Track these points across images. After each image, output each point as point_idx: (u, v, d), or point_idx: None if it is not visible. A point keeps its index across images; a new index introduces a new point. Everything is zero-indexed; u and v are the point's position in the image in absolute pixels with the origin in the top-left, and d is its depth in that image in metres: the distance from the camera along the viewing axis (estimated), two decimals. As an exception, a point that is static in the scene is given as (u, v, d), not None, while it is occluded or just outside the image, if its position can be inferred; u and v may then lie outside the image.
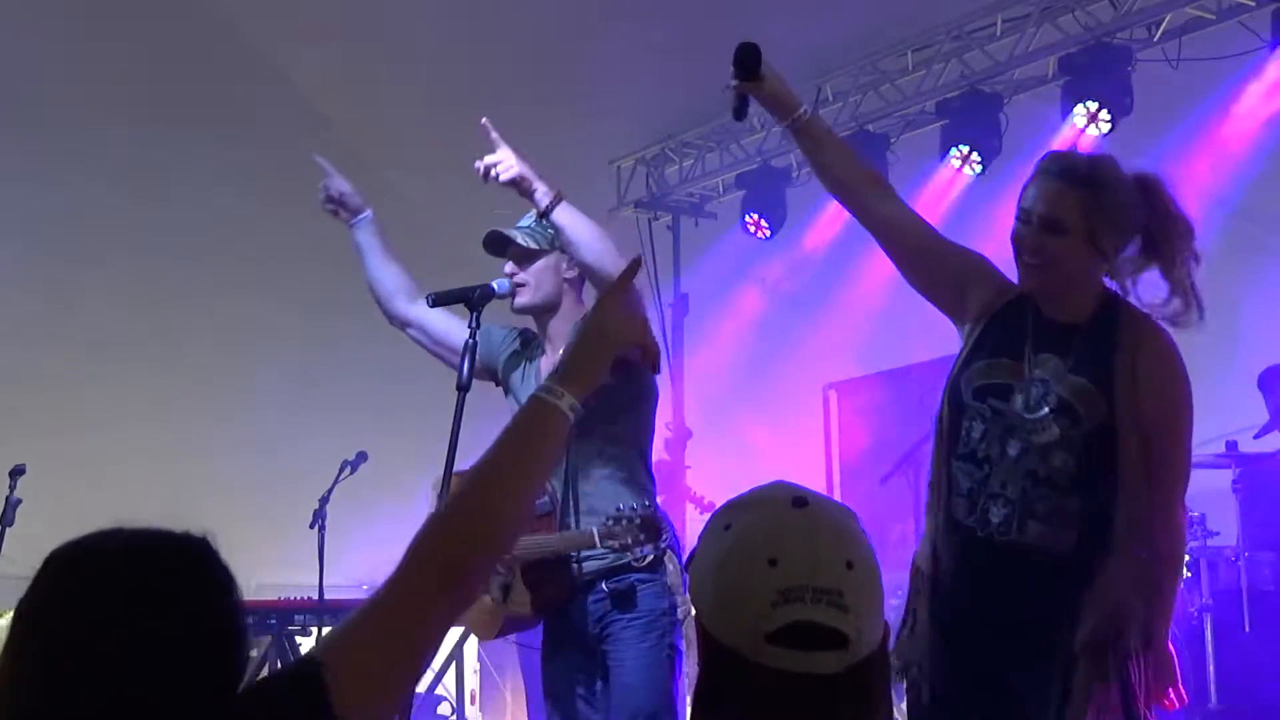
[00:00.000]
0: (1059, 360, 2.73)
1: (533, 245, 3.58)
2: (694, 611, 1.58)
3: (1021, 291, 2.81)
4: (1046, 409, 2.69)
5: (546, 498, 3.48)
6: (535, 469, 1.76)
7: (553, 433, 1.77)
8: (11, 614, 1.53)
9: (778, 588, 1.45)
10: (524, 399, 3.54)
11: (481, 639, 3.74)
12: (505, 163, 3.45)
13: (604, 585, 3.43)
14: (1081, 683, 2.60)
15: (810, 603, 1.45)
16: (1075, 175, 2.70)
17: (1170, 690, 2.65)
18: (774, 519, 1.52)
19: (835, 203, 7.08)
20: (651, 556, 3.45)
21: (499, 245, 3.62)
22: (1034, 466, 2.70)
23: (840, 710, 1.47)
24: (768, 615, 1.45)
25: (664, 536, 3.43)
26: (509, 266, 3.59)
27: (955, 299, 2.89)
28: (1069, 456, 2.68)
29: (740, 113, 3.06)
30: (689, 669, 3.72)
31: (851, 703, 1.47)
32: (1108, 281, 2.78)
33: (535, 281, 3.57)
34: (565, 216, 3.42)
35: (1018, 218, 2.74)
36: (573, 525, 3.49)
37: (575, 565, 3.48)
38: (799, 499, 1.52)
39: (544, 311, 3.60)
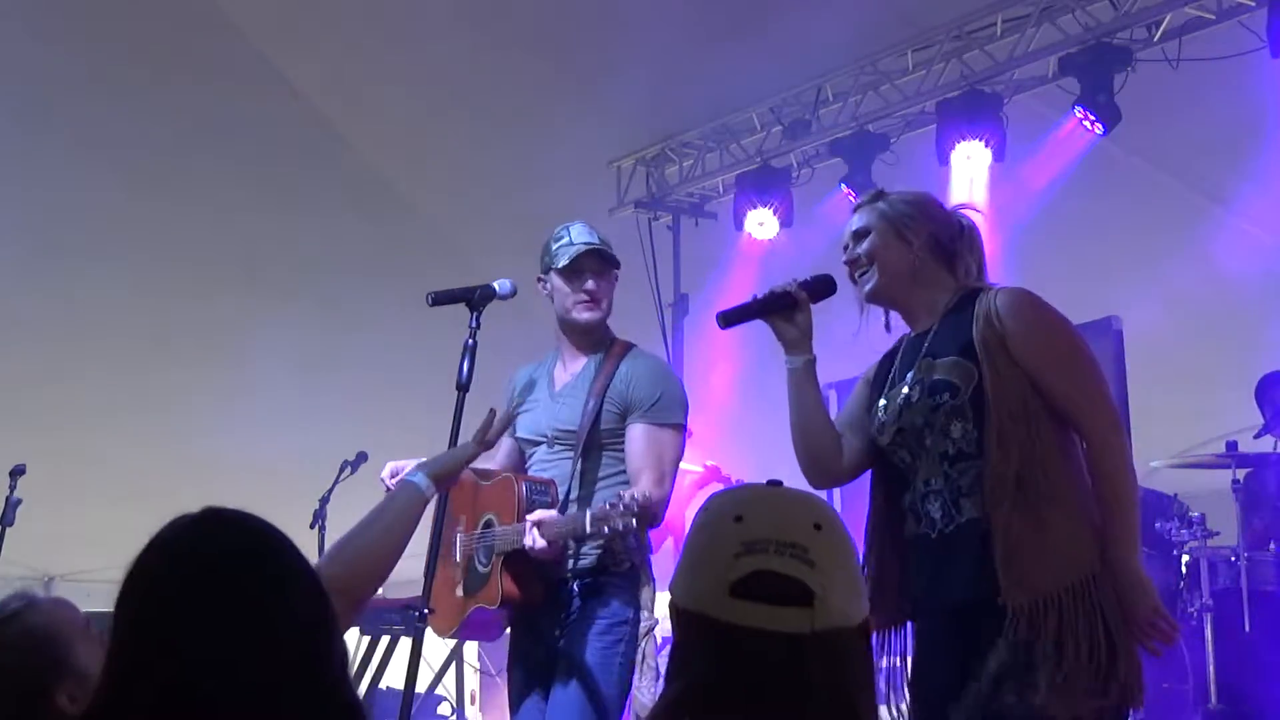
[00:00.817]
0: (921, 358, 2.86)
1: (615, 263, 3.64)
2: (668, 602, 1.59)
3: (898, 341, 3.02)
4: (915, 400, 2.80)
5: (548, 497, 3.49)
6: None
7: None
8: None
9: (741, 540, 1.47)
10: (531, 407, 3.60)
11: (439, 633, 3.74)
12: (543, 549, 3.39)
13: (574, 585, 3.45)
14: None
15: (774, 554, 1.45)
16: (869, 196, 3.05)
17: (1156, 621, 2.62)
18: (746, 491, 1.57)
19: (834, 201, 7.04)
20: (629, 564, 3.47)
21: (602, 261, 3.62)
22: (943, 448, 2.77)
23: (809, 672, 1.44)
24: (730, 566, 1.46)
25: (653, 522, 3.45)
26: (591, 283, 3.59)
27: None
28: (966, 424, 2.74)
29: (734, 318, 3.02)
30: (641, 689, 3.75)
31: (822, 666, 1.45)
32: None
33: (608, 300, 3.63)
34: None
35: (844, 261, 3.00)
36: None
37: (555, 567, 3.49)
38: (774, 481, 1.57)
39: (599, 328, 3.64)
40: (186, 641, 1.47)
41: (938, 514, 2.77)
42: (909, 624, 2.91)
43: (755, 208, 7.60)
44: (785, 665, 1.44)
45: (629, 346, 3.65)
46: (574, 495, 3.53)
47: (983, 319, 2.77)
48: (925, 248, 2.91)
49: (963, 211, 3.03)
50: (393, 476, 3.58)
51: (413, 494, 2.49)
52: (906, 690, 2.87)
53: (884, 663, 2.85)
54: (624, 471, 3.52)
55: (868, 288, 2.95)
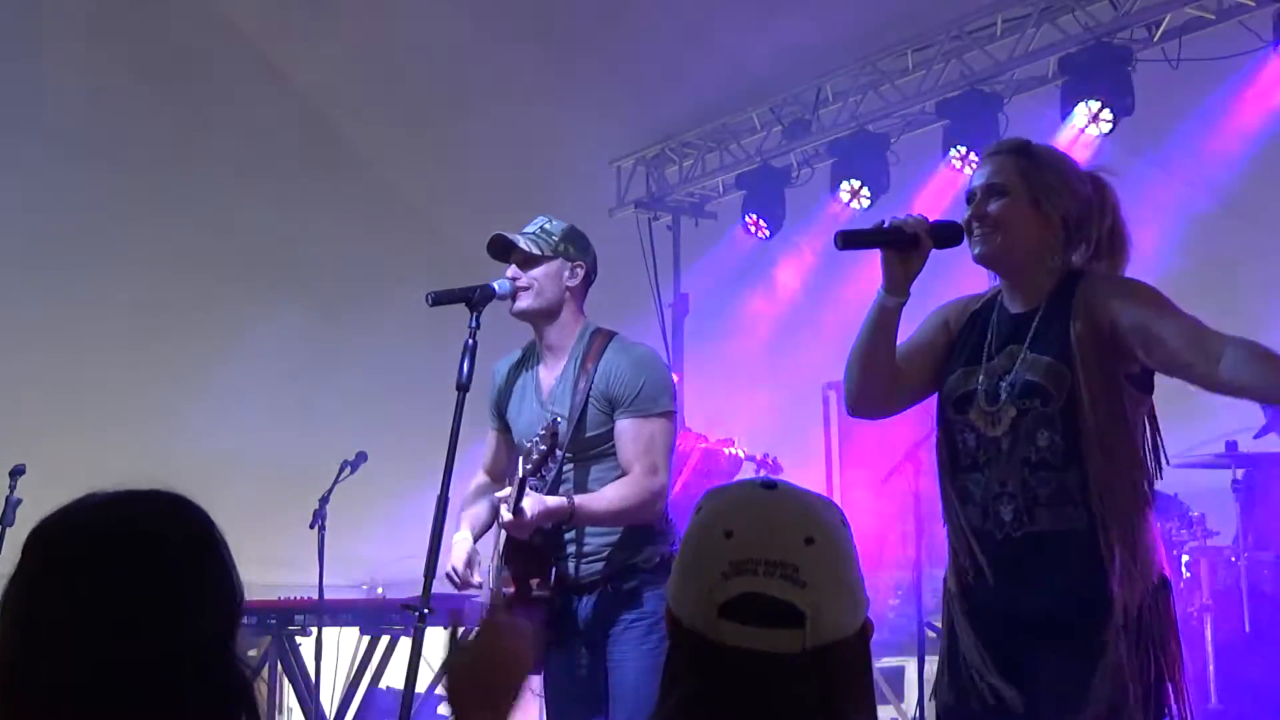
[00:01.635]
0: (1018, 346, 2.76)
1: (536, 251, 3.54)
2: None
3: (989, 297, 2.89)
4: (1004, 396, 2.73)
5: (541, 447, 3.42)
6: None
7: None
8: None
9: (730, 559, 1.43)
10: (522, 413, 3.57)
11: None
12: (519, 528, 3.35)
13: (609, 586, 3.44)
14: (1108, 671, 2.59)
15: (763, 575, 1.42)
16: (1012, 147, 2.85)
17: None
18: (738, 498, 1.52)
19: (834, 201, 7.02)
20: (658, 559, 3.45)
21: (503, 250, 3.60)
22: (1025, 453, 2.70)
23: (801, 690, 1.42)
24: (719, 587, 1.43)
25: (652, 513, 3.43)
26: (512, 270, 3.56)
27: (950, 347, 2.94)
28: (1053, 434, 2.68)
29: (853, 243, 2.80)
30: None
31: (813, 687, 1.42)
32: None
33: (538, 287, 3.53)
34: (586, 517, 3.40)
35: (966, 203, 2.82)
36: (571, 536, 3.50)
37: (573, 563, 3.48)
38: (769, 483, 1.52)
39: (544, 318, 3.57)
40: (78, 641, 1.43)
41: (1008, 516, 2.72)
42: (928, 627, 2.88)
43: (756, 208, 7.63)
44: (777, 685, 1.42)
45: (609, 338, 3.57)
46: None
47: (1083, 314, 2.69)
48: (1059, 224, 2.76)
49: (1103, 183, 2.83)
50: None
51: None
52: (940, 683, 2.83)
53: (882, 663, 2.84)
54: (619, 470, 3.49)
55: (981, 249, 2.78)
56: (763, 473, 7.08)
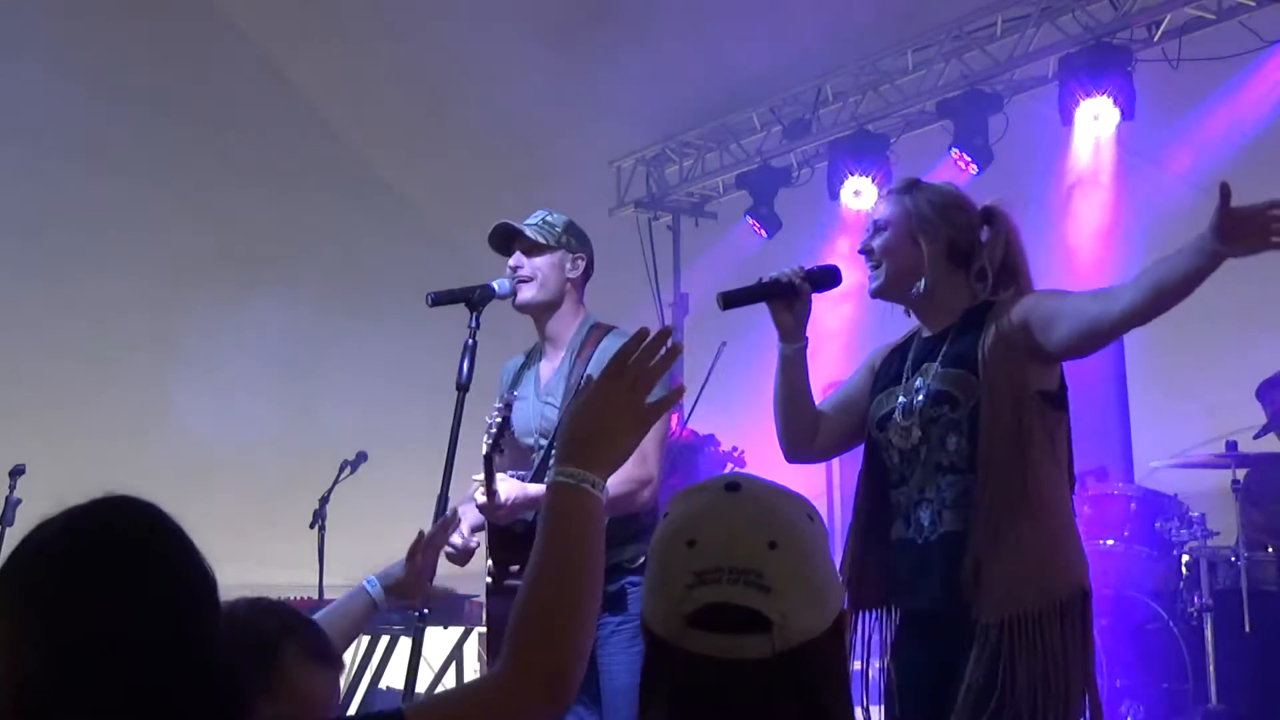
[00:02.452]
0: (931, 363, 2.87)
1: (541, 240, 3.55)
2: None
3: (911, 333, 3.03)
4: (916, 408, 2.83)
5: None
6: (588, 560, 1.74)
7: (589, 516, 1.71)
8: None
9: (694, 569, 1.43)
10: (519, 408, 3.56)
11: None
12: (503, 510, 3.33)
13: None
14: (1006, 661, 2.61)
15: (727, 583, 1.42)
16: (901, 186, 3.02)
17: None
18: (701, 503, 1.51)
19: (836, 202, 7.00)
20: (643, 558, 3.44)
21: (506, 239, 3.59)
22: (938, 459, 2.80)
23: (775, 694, 1.42)
24: (685, 598, 1.43)
25: (641, 505, 3.40)
26: (515, 259, 3.56)
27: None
28: (960, 439, 2.77)
29: (735, 301, 2.97)
30: None
31: (789, 685, 1.42)
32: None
33: (541, 278, 3.54)
34: None
35: (858, 249, 3.02)
36: None
37: None
38: (732, 484, 1.51)
39: (545, 310, 3.58)
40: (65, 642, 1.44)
41: (926, 521, 2.81)
42: (886, 624, 2.92)
43: (759, 210, 7.63)
44: (750, 690, 1.42)
45: (608, 330, 3.56)
46: None
47: (992, 328, 2.78)
48: (941, 253, 2.90)
49: (996, 212, 2.93)
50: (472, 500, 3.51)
51: (365, 600, 2.66)
52: (884, 695, 2.89)
53: (857, 665, 2.84)
54: None
55: (873, 285, 2.97)
56: (730, 467, 7.10)
